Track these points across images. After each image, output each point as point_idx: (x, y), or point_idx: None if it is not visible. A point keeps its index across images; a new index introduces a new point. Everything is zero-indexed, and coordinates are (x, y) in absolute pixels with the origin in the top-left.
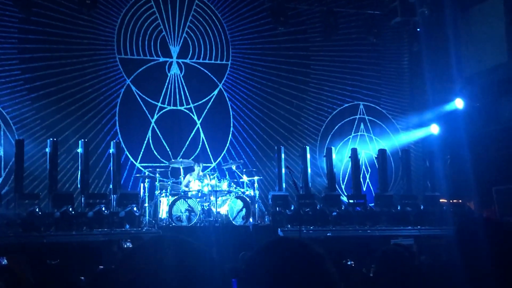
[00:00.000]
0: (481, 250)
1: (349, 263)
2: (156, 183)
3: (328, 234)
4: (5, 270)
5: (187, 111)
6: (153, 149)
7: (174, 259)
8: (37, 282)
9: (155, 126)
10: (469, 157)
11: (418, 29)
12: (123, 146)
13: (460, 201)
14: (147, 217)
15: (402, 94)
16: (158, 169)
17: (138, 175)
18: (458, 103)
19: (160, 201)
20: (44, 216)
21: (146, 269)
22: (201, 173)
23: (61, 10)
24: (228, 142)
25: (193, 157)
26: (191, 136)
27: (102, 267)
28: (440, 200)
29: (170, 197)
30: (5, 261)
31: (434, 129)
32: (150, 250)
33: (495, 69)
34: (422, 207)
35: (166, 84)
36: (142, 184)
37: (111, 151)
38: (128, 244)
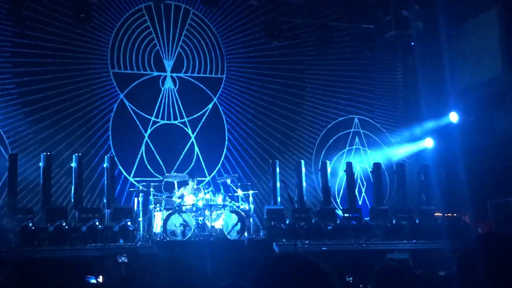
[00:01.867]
0: (482, 264)
1: (348, 279)
2: (150, 197)
3: (323, 248)
4: None
5: (181, 125)
6: (146, 163)
7: (169, 280)
8: None
9: (148, 141)
10: (464, 171)
11: (412, 43)
12: (116, 160)
13: (455, 214)
14: (141, 232)
15: (396, 107)
16: (152, 183)
17: (132, 189)
18: (453, 117)
19: (154, 215)
20: (38, 231)
21: (141, 284)
22: (195, 187)
23: (55, 24)
24: (223, 156)
25: (187, 171)
26: (185, 150)
27: (92, 277)
28: (435, 214)
29: (164, 211)
30: None
31: (429, 142)
32: (145, 271)
33: (489, 82)
34: (417, 221)
35: (160, 98)
36: (136, 199)
37: (105, 165)
38: (123, 259)
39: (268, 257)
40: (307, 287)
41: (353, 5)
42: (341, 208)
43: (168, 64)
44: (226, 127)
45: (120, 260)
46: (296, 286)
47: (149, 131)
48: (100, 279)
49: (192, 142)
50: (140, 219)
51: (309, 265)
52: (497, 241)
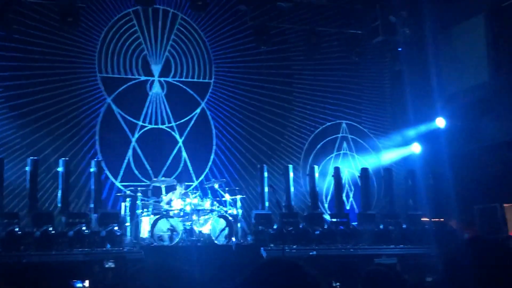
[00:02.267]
0: (469, 269)
1: (335, 284)
2: (137, 202)
3: (311, 253)
4: None
5: (169, 130)
6: (133, 168)
7: (155, 278)
8: None
9: (135, 145)
10: (451, 176)
11: (400, 49)
12: (103, 165)
13: (442, 219)
14: (128, 237)
15: (384, 113)
16: (139, 188)
17: (119, 194)
18: (440, 122)
19: (141, 220)
20: (24, 236)
21: None
22: (182, 191)
23: (42, 28)
24: (211, 160)
25: (174, 176)
26: (173, 154)
27: (78, 282)
28: (422, 219)
29: (152, 216)
30: None
31: (416, 148)
32: (133, 279)
33: (476, 88)
34: (404, 226)
35: (148, 102)
36: (123, 203)
37: (92, 170)
38: (110, 264)
39: (256, 262)
40: None
41: (341, 11)
42: (328, 213)
43: (156, 68)
44: (214, 131)
45: (107, 266)
46: None
47: (136, 135)
48: (87, 283)
49: (180, 146)
50: (128, 224)
51: (297, 270)
52: (482, 247)
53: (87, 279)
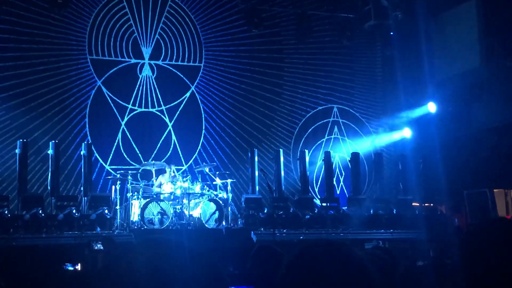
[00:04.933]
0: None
1: None
2: (128, 185)
3: (301, 237)
4: None
5: (159, 113)
6: (123, 151)
7: (146, 264)
8: (8, 287)
9: (125, 128)
10: (441, 161)
11: (392, 33)
12: (93, 148)
13: (432, 204)
14: (118, 220)
15: (375, 97)
16: (130, 171)
17: (109, 177)
18: (431, 107)
19: (131, 203)
20: (14, 219)
21: (119, 274)
22: (172, 174)
23: (31, 9)
24: (200, 144)
25: (164, 159)
26: (163, 138)
27: (69, 265)
28: (413, 204)
29: (142, 199)
30: None
31: (407, 132)
32: (122, 254)
33: (467, 73)
34: (394, 211)
35: (138, 85)
36: (113, 187)
37: (82, 152)
38: (99, 246)
39: (246, 245)
40: (345, 275)
41: None
42: (319, 197)
43: (146, 51)
44: (203, 115)
45: (96, 248)
46: (334, 273)
47: (126, 118)
48: (78, 267)
49: (170, 130)
50: (118, 207)
51: (347, 252)
52: (476, 234)
53: (78, 262)
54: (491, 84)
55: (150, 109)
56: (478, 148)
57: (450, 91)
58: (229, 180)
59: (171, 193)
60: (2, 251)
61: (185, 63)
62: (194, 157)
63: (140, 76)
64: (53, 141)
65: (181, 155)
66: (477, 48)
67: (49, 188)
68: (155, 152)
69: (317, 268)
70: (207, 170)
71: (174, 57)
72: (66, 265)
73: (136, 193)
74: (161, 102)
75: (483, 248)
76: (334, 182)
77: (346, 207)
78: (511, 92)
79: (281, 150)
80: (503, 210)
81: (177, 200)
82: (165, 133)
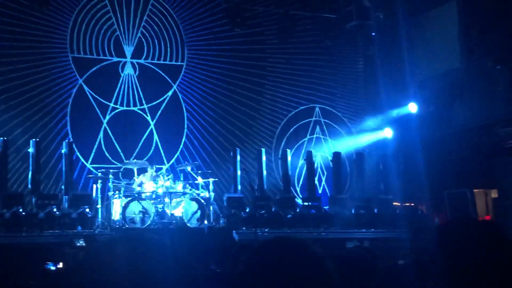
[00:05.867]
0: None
1: None
2: (109, 184)
3: None
4: None
5: (141, 112)
6: (104, 150)
7: (127, 261)
8: None
9: (107, 127)
10: (422, 161)
11: (373, 33)
12: (74, 146)
13: (413, 204)
14: (99, 219)
15: (357, 97)
16: (111, 170)
17: (90, 175)
18: (412, 107)
19: (113, 202)
20: None
21: (98, 271)
22: (154, 174)
23: (12, 6)
24: (182, 143)
25: (146, 158)
26: (144, 137)
27: (50, 264)
28: (393, 203)
29: (123, 198)
30: None
31: (388, 132)
32: (102, 252)
33: (448, 73)
34: (376, 210)
35: (120, 84)
36: (95, 185)
37: (63, 151)
38: (81, 242)
39: (228, 245)
40: (301, 271)
41: None
42: (301, 196)
43: (128, 50)
44: (185, 114)
45: (78, 244)
46: (290, 270)
47: (107, 117)
48: (60, 265)
49: (152, 129)
50: (99, 206)
51: (303, 248)
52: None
53: (59, 261)
54: (471, 84)
55: (132, 108)
56: (458, 148)
57: (431, 91)
58: (211, 179)
59: (153, 192)
60: None
61: (167, 62)
62: (176, 156)
63: (122, 75)
64: (33, 139)
65: (163, 154)
66: (458, 48)
67: (29, 186)
68: (136, 150)
69: (273, 265)
70: (189, 169)
71: (156, 56)
72: (47, 265)
73: (117, 192)
74: (143, 101)
75: (461, 247)
76: (316, 182)
77: (327, 207)
78: (491, 92)
79: (263, 150)
80: (483, 209)
81: (159, 199)
82: (147, 131)
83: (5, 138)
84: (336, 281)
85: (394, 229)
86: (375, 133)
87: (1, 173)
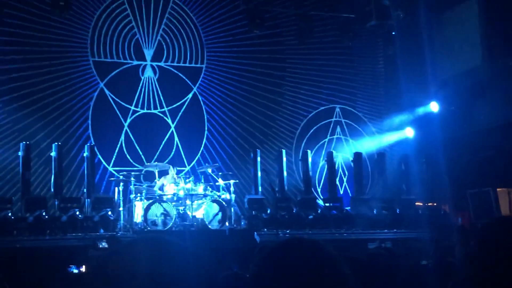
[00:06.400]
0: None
1: None
2: (130, 186)
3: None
4: None
5: (161, 115)
6: (126, 153)
7: (148, 263)
8: None
9: (128, 130)
10: (443, 161)
11: (393, 33)
12: (96, 149)
13: (435, 204)
14: (121, 222)
15: (377, 97)
16: (132, 173)
17: (112, 178)
18: (433, 107)
19: (134, 205)
20: (17, 221)
21: (120, 274)
22: (175, 176)
23: (33, 11)
24: (203, 145)
25: (167, 160)
26: (165, 139)
27: (73, 267)
28: (416, 203)
29: (145, 201)
30: None
31: (409, 132)
32: (124, 253)
33: (469, 72)
34: (398, 211)
35: (140, 87)
36: (116, 188)
37: (85, 154)
38: (103, 244)
39: (250, 246)
40: (315, 272)
41: None
42: (322, 197)
43: (148, 53)
44: (205, 116)
45: (101, 246)
46: (304, 271)
47: (128, 120)
48: (83, 268)
49: (172, 131)
50: (121, 208)
51: (318, 249)
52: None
53: (82, 264)
54: (493, 83)
55: (153, 111)
56: (481, 147)
57: (452, 90)
58: (231, 181)
59: (174, 194)
60: (6, 253)
61: (187, 64)
62: (196, 158)
63: (142, 78)
64: (56, 143)
65: (183, 156)
66: (479, 47)
67: (52, 190)
68: (157, 153)
69: (287, 266)
70: (209, 171)
71: (176, 59)
72: (70, 268)
73: (139, 194)
74: (164, 104)
75: (486, 247)
76: (337, 182)
77: (349, 207)
78: None
79: (283, 151)
80: (506, 209)
81: (180, 201)
82: (168, 134)
83: (28, 142)
84: (351, 283)
85: (416, 229)
86: (396, 133)
87: (24, 177)
